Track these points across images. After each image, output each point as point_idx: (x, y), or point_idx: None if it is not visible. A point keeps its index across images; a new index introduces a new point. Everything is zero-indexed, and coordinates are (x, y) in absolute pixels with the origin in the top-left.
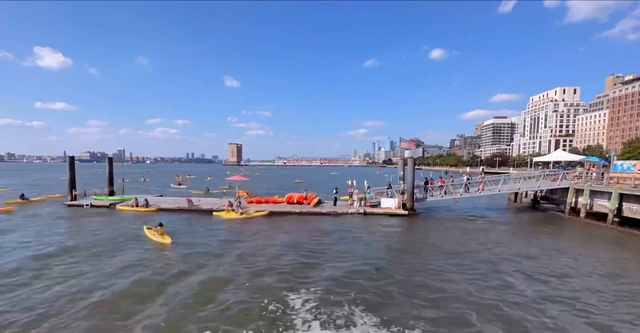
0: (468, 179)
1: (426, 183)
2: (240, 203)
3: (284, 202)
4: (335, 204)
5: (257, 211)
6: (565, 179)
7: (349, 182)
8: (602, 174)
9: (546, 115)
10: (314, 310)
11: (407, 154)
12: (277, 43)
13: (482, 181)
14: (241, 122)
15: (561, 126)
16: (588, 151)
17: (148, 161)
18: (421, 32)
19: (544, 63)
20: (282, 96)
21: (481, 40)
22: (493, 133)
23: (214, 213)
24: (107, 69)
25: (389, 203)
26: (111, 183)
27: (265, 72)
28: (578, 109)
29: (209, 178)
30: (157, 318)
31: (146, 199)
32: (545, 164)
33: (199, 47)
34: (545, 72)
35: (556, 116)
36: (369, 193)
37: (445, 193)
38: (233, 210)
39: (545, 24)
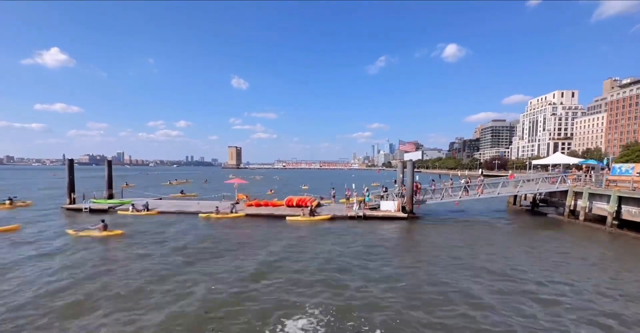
0: (467, 182)
1: (416, 187)
2: (234, 206)
3: (283, 205)
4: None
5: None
6: (564, 182)
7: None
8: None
9: (544, 118)
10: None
11: (406, 157)
12: (284, 45)
13: (481, 184)
14: (246, 125)
15: (559, 129)
16: (587, 154)
17: (151, 164)
18: (436, 30)
19: (562, 63)
20: (287, 98)
21: (499, 39)
22: (492, 135)
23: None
24: (111, 70)
25: (389, 206)
26: (110, 186)
27: (272, 74)
28: (576, 113)
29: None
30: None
31: (146, 203)
32: (544, 167)
33: (207, 49)
34: (562, 73)
35: (554, 119)
36: (367, 196)
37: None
38: (221, 213)
39: (569, 23)
